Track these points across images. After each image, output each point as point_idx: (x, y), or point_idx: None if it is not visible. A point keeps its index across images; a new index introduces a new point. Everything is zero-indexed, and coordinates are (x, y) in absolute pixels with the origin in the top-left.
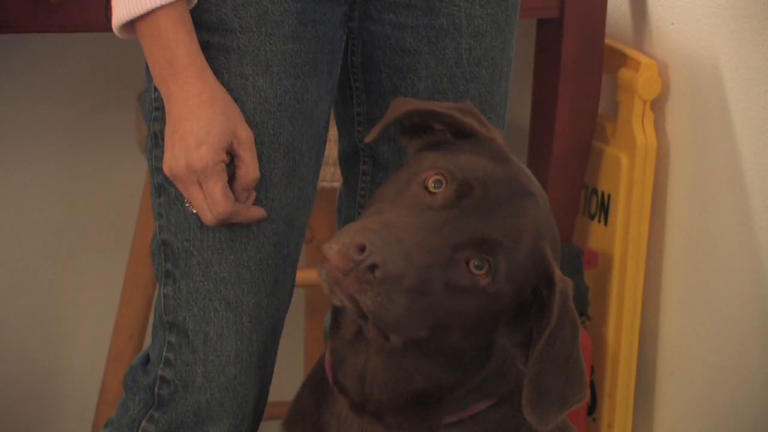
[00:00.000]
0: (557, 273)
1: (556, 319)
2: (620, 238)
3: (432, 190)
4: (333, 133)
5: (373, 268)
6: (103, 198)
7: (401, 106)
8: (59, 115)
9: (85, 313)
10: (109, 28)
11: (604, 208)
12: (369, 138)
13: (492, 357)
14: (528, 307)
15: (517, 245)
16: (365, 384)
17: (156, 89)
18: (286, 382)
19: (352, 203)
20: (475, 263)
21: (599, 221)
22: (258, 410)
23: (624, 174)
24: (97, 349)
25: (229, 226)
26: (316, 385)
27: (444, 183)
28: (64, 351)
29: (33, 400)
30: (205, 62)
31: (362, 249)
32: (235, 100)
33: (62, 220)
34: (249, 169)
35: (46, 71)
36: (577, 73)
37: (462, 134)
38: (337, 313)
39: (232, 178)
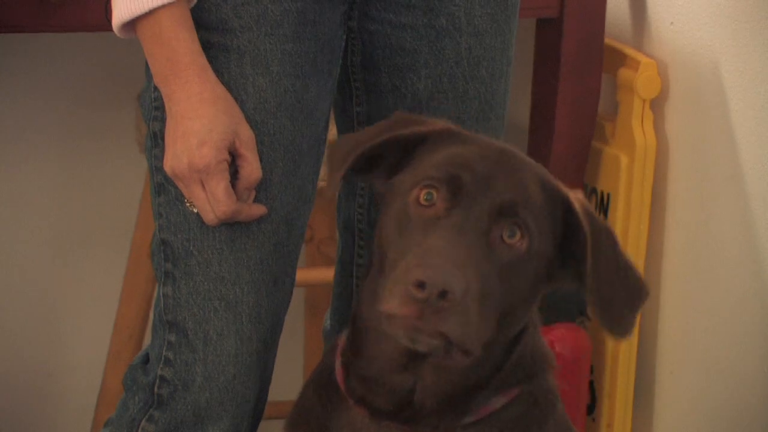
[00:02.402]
0: (570, 194)
1: (590, 232)
2: (620, 238)
3: (428, 203)
4: (333, 132)
5: (443, 294)
6: (103, 198)
7: (343, 155)
8: (59, 114)
9: (84, 313)
10: (109, 28)
11: (603, 208)
12: (330, 191)
13: (521, 339)
14: (566, 242)
15: (528, 196)
16: (414, 397)
17: (156, 88)
18: (286, 381)
19: (351, 203)
20: (507, 234)
21: None
22: (258, 410)
23: (623, 174)
24: (97, 349)
25: (228, 225)
26: (320, 390)
27: (434, 190)
28: (64, 351)
29: (33, 400)
30: (206, 61)
31: (422, 286)
32: (235, 99)
33: (62, 219)
34: (252, 168)
35: (46, 71)
36: (577, 73)
37: (414, 144)
38: (362, 343)
39: (232, 177)
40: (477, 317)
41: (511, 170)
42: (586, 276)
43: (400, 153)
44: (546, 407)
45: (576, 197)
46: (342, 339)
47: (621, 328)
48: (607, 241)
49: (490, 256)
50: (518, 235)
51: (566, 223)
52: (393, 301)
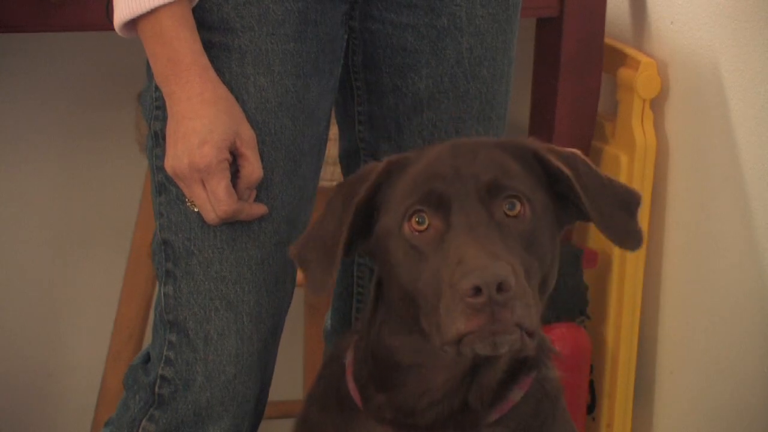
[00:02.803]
0: (527, 142)
1: (564, 164)
2: None
3: (424, 226)
4: (333, 132)
5: (499, 287)
6: (103, 197)
7: (322, 260)
8: (59, 114)
9: (84, 313)
10: (110, 27)
11: None
12: (322, 293)
13: None
14: (551, 184)
15: (501, 166)
16: (469, 401)
17: (157, 88)
18: (286, 381)
19: None
20: (507, 208)
21: None
22: (258, 410)
23: (623, 173)
24: (97, 349)
25: (230, 225)
26: (327, 406)
27: (422, 213)
28: (64, 351)
29: (33, 400)
30: (208, 61)
31: (477, 291)
32: (237, 99)
33: (62, 219)
34: (254, 168)
35: (46, 71)
36: (577, 73)
37: (376, 193)
38: (400, 382)
39: (233, 176)
40: (531, 294)
41: (470, 154)
42: (580, 203)
43: (363, 211)
44: (554, 398)
45: (534, 143)
46: (349, 360)
47: (631, 238)
48: (582, 165)
49: (508, 235)
50: (517, 204)
51: (542, 168)
52: (459, 322)
